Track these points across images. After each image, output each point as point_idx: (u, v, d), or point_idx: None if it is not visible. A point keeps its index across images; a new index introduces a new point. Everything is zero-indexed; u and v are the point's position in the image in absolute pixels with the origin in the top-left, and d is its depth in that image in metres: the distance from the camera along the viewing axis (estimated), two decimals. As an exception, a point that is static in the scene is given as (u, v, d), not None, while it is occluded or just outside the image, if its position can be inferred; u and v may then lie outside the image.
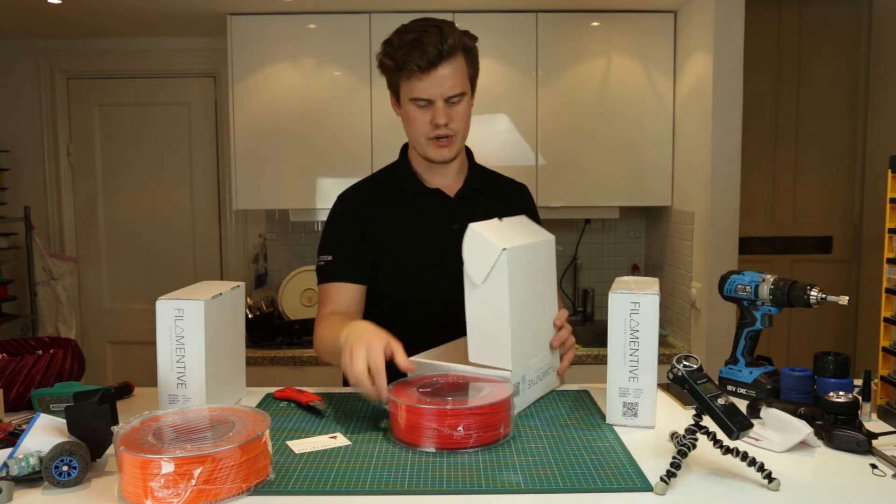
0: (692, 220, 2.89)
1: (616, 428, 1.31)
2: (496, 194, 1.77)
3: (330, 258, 1.66)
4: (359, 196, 1.74)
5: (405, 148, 1.75)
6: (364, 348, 1.27)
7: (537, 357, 1.44)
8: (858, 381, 1.38)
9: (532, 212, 1.82)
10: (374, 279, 1.68)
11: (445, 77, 1.54)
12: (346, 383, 1.80)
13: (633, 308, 1.29)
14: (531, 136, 3.09)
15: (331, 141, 3.09)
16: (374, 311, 1.68)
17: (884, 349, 1.36)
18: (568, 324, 1.51)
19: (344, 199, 1.74)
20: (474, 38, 1.61)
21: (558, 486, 1.06)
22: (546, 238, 1.50)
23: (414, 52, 1.51)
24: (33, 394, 1.39)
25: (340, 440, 1.26)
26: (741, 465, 1.08)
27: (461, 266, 1.38)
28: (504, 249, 1.31)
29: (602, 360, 2.74)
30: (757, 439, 1.23)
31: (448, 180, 1.71)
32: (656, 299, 1.28)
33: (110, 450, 1.12)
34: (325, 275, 1.67)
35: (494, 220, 1.43)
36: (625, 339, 1.30)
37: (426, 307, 1.67)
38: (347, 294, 1.64)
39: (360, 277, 1.66)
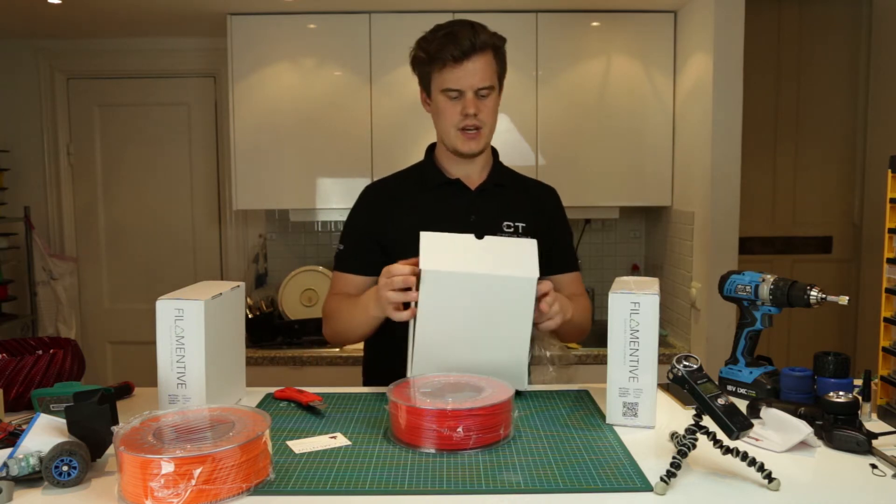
0: (692, 220, 2.89)
1: (616, 428, 1.31)
2: (519, 192, 1.79)
3: (343, 248, 1.77)
4: (381, 188, 1.81)
5: (430, 147, 1.80)
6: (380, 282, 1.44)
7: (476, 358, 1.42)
8: (858, 381, 1.38)
9: (559, 215, 1.84)
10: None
11: (476, 69, 1.61)
12: (366, 383, 1.81)
13: (633, 308, 1.29)
14: (531, 136, 3.09)
15: (331, 141, 3.08)
16: None
17: (884, 349, 1.36)
18: (552, 294, 1.47)
19: (365, 192, 1.81)
20: (503, 40, 1.69)
21: (558, 486, 1.06)
22: (506, 274, 1.40)
23: (448, 43, 1.60)
24: (33, 394, 1.39)
25: (340, 440, 1.26)
26: (741, 465, 1.08)
27: None
28: (423, 270, 1.37)
29: (602, 360, 2.73)
30: (757, 439, 1.23)
31: (471, 173, 1.74)
32: (656, 299, 1.28)
33: (110, 450, 1.12)
34: (338, 263, 1.78)
35: (470, 237, 1.46)
36: (625, 339, 1.30)
37: None
38: (353, 283, 1.73)
39: (367, 270, 1.71)
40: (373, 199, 1.78)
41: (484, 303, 1.40)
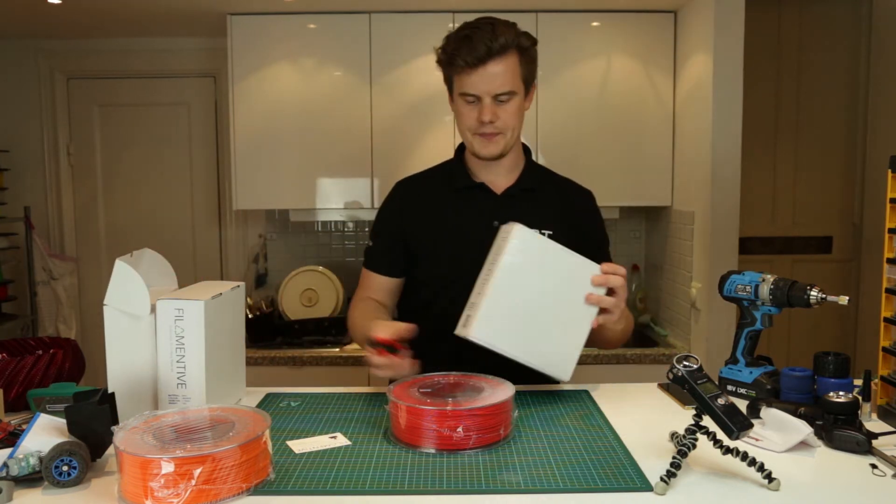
0: (692, 220, 2.89)
1: (615, 427, 1.31)
2: (551, 195, 1.73)
3: (371, 244, 1.76)
4: (410, 186, 1.77)
5: (461, 147, 1.76)
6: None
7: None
8: (858, 381, 1.38)
9: (590, 217, 1.78)
10: (414, 267, 1.71)
11: (494, 75, 1.54)
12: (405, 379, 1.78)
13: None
14: (531, 136, 3.08)
15: (331, 141, 3.08)
16: (413, 298, 1.73)
17: (884, 349, 1.36)
18: (617, 278, 1.43)
19: (395, 190, 1.78)
20: (532, 40, 1.62)
21: (558, 486, 1.06)
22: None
23: (463, 47, 1.54)
24: (29, 394, 1.39)
25: (340, 440, 1.26)
26: (741, 465, 1.09)
27: None
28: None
29: (602, 360, 2.73)
30: (757, 439, 1.23)
31: (497, 177, 1.70)
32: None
33: (110, 450, 1.12)
34: (366, 260, 1.77)
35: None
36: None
37: (461, 299, 1.62)
38: (379, 284, 1.73)
39: (393, 271, 1.73)
40: (402, 198, 1.75)
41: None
